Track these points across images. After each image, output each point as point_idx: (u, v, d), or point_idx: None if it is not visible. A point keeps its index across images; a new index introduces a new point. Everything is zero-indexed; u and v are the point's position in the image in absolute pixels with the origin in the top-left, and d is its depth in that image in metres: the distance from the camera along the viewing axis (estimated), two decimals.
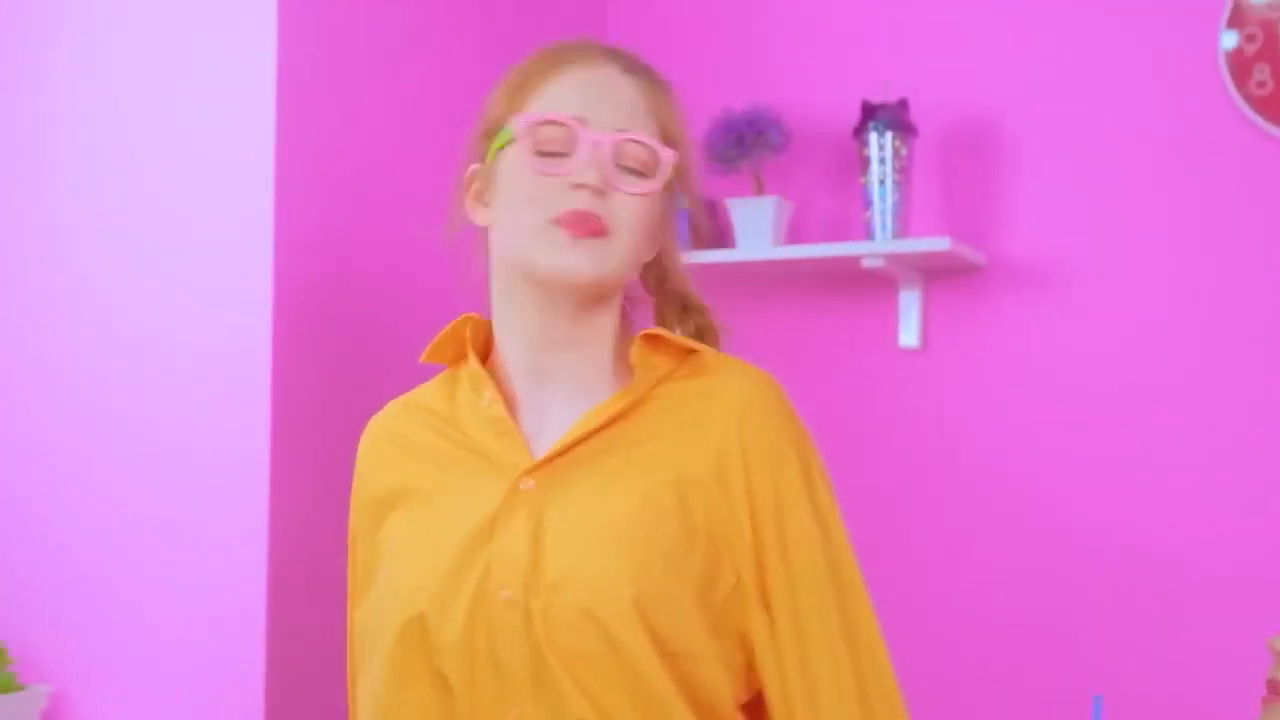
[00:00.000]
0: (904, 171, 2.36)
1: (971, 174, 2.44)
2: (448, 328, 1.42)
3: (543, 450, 1.32)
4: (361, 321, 2.12)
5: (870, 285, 2.48)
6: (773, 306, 2.57)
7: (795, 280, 2.55)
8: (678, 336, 1.38)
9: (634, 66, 1.36)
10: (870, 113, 2.38)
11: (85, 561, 2.05)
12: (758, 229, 2.44)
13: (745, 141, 2.44)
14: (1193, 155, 2.29)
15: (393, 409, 1.48)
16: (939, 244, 2.28)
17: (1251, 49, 2.24)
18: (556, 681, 1.24)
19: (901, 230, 2.36)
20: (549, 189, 1.29)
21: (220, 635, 1.94)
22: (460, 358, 1.42)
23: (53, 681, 2.04)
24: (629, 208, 1.30)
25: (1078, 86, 2.37)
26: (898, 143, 2.36)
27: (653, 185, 1.31)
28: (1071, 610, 2.33)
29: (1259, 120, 2.22)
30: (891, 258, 2.33)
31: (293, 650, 1.96)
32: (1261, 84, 2.22)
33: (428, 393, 1.45)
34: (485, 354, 1.42)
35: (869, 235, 2.37)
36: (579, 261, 1.28)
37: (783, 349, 2.55)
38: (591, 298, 1.33)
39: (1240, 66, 2.24)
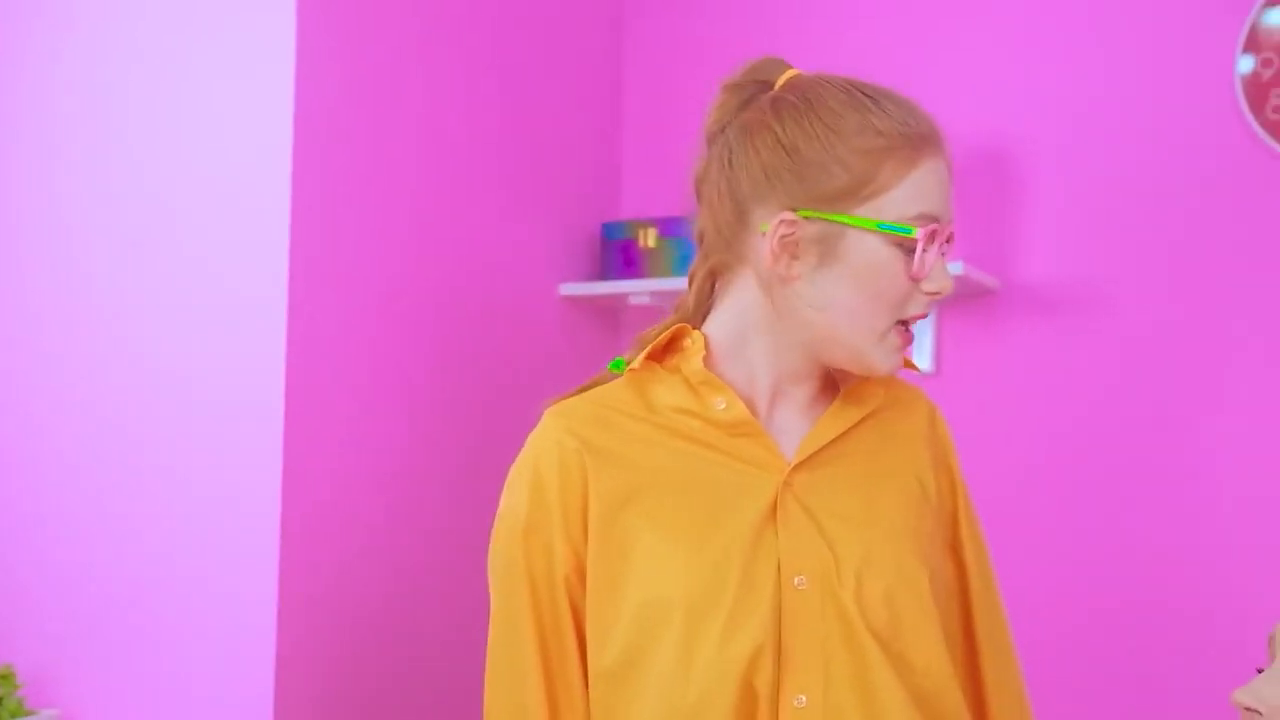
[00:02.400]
0: None
1: (985, 199, 2.44)
2: (665, 335, 1.44)
3: (785, 452, 1.41)
4: (378, 330, 2.12)
5: None
6: None
7: None
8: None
9: (947, 149, 1.42)
10: None
11: (94, 585, 2.05)
12: None
13: None
14: (1208, 180, 2.28)
15: (580, 410, 1.43)
16: (953, 268, 2.27)
17: (1268, 74, 2.23)
18: (862, 662, 1.34)
19: None
20: (908, 291, 1.36)
21: (229, 658, 1.94)
22: (651, 359, 1.45)
23: (61, 705, 2.04)
24: None
25: (1093, 111, 2.36)
26: None
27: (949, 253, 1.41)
28: (1083, 634, 2.31)
29: (1274, 144, 2.21)
30: None
31: (302, 672, 1.95)
32: (1277, 109, 2.21)
33: (615, 394, 1.45)
34: (663, 359, 1.46)
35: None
36: (899, 362, 1.41)
37: None
38: None
39: (1256, 91, 2.23)
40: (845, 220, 1.34)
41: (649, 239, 2.55)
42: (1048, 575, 2.35)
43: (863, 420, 1.45)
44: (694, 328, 1.45)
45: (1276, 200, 2.23)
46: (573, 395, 1.47)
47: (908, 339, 1.39)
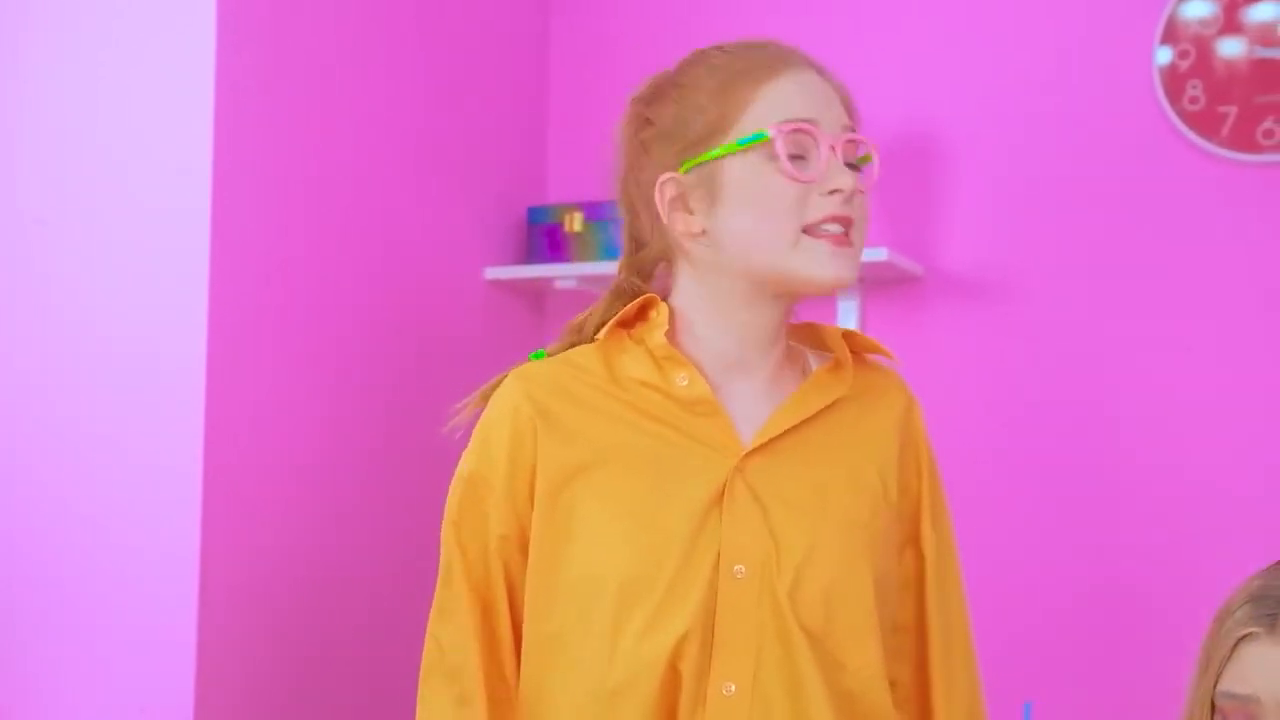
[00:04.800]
0: None
1: (909, 186, 2.46)
2: (631, 306, 1.42)
3: (744, 434, 1.38)
4: (300, 314, 2.10)
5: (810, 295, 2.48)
6: None
7: None
8: (870, 338, 1.47)
9: (825, 70, 1.43)
10: None
11: (9, 582, 2.02)
12: None
13: None
14: (1126, 169, 2.32)
15: (542, 375, 1.41)
16: (876, 254, 2.29)
17: (1184, 65, 2.27)
18: (790, 656, 1.32)
19: None
20: (803, 195, 1.33)
21: (149, 651, 1.92)
22: (621, 326, 1.43)
23: None
24: (861, 206, 1.38)
25: (1015, 101, 2.39)
26: None
27: (873, 177, 1.39)
28: (1004, 617, 2.34)
29: (1191, 135, 2.25)
30: None
31: (222, 665, 1.93)
32: (1194, 100, 2.25)
33: (583, 359, 1.43)
34: (632, 326, 1.44)
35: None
36: (840, 270, 1.36)
37: None
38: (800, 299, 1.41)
39: (1173, 82, 2.27)
40: (713, 155, 1.35)
41: (575, 223, 2.55)
42: (968, 559, 2.37)
43: (830, 407, 1.42)
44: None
45: (1192, 189, 2.27)
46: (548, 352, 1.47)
47: (838, 241, 1.34)
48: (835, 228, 1.35)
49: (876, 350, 1.47)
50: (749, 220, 1.35)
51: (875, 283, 2.44)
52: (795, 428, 1.39)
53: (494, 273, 2.53)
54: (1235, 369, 2.23)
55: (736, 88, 1.36)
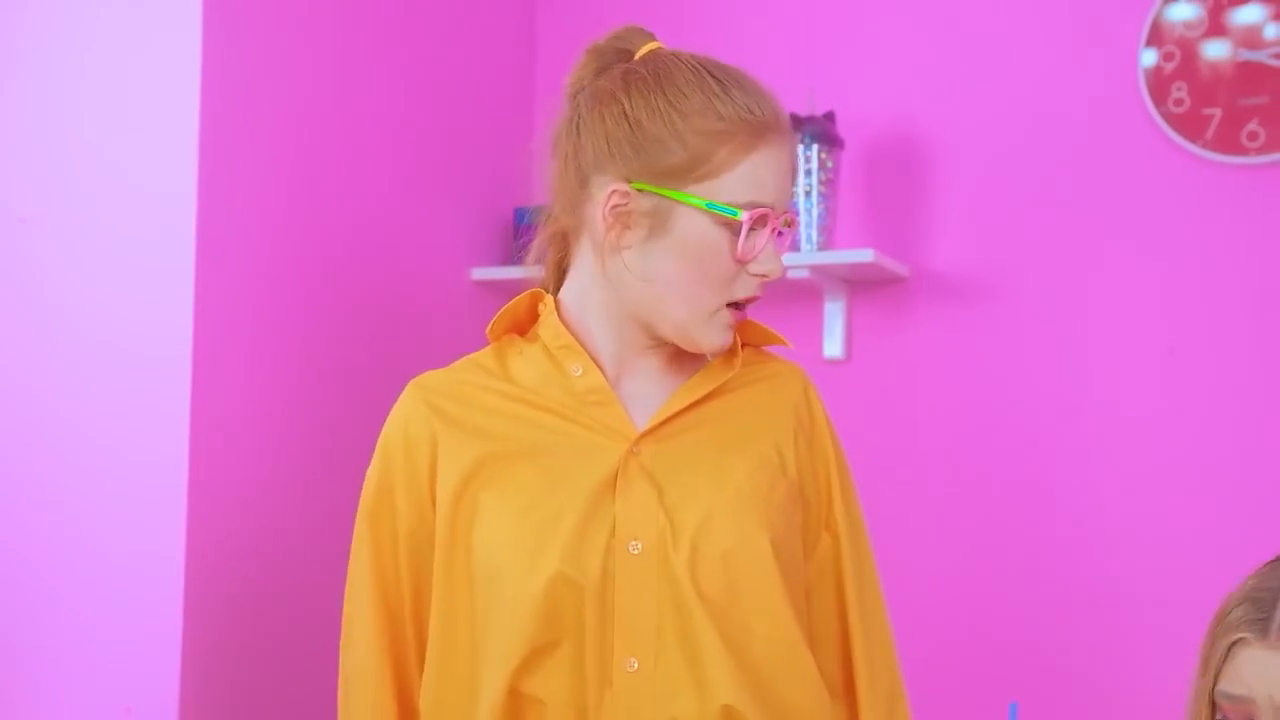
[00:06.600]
0: (830, 183, 2.38)
1: (895, 187, 2.46)
2: (517, 301, 1.46)
3: (639, 422, 1.41)
4: (284, 315, 2.09)
5: (795, 296, 2.49)
6: None
7: None
8: (768, 327, 1.51)
9: (791, 132, 1.44)
10: (797, 125, 2.38)
11: None
12: None
13: None
14: (1112, 171, 2.33)
15: (439, 383, 1.46)
16: (862, 256, 2.30)
17: (1169, 67, 2.28)
18: (690, 628, 1.33)
19: (826, 242, 2.37)
20: (734, 272, 1.38)
21: (135, 650, 1.91)
22: (514, 330, 1.48)
23: None
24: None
25: (1001, 102, 2.40)
26: (824, 155, 2.37)
27: (788, 242, 1.48)
28: (989, 618, 2.35)
29: (1176, 137, 2.26)
30: (816, 269, 2.34)
31: (208, 663, 1.92)
32: (1179, 102, 2.26)
33: (479, 363, 1.47)
34: (526, 328, 1.47)
35: (794, 246, 2.38)
36: (725, 341, 1.42)
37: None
38: None
39: (1158, 84, 2.28)
40: (676, 196, 1.36)
41: None
42: (953, 564, 2.38)
43: (725, 393, 1.45)
44: (550, 292, 1.48)
45: (1177, 191, 2.28)
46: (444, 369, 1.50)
47: (739, 318, 1.42)
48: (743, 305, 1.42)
49: (773, 340, 1.51)
50: (681, 273, 1.38)
51: (861, 284, 2.45)
52: (689, 412, 1.43)
53: (480, 273, 2.53)
54: (1221, 370, 2.24)
55: (727, 144, 1.36)
